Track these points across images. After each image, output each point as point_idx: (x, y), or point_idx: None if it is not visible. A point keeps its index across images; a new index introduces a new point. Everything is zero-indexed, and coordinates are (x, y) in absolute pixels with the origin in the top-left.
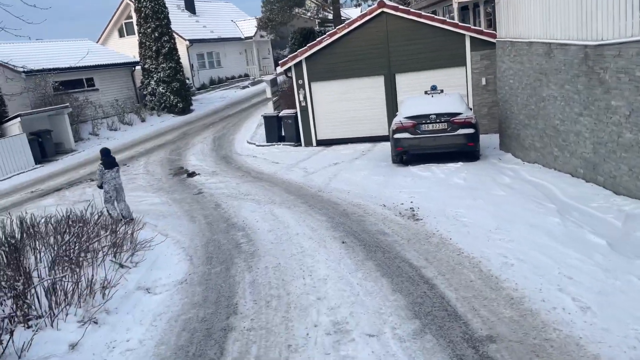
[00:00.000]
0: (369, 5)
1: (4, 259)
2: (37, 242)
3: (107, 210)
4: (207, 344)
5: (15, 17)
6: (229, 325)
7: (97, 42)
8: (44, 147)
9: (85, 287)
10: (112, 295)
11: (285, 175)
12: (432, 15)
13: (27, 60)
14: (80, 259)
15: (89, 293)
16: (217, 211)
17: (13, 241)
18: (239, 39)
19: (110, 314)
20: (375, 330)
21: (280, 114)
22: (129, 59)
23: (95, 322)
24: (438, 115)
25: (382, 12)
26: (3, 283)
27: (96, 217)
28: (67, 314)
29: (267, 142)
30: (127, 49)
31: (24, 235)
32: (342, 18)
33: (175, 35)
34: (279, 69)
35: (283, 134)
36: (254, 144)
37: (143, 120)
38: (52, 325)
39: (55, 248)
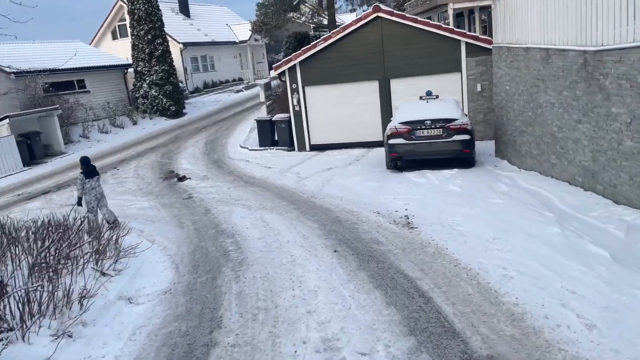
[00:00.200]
0: (364, 10)
1: None
2: (17, 248)
3: (89, 220)
4: None
5: (1, 15)
6: (212, 340)
7: (90, 44)
8: (33, 149)
9: (62, 297)
10: (91, 306)
11: (277, 180)
12: (428, 20)
13: (17, 61)
14: (60, 266)
15: (65, 303)
16: (207, 217)
17: None
18: (234, 42)
19: (87, 326)
20: (367, 348)
21: (273, 118)
22: (121, 61)
23: (70, 336)
24: (433, 121)
25: (378, 16)
26: None
27: (79, 222)
28: (40, 327)
29: (260, 146)
30: (120, 51)
31: (5, 241)
32: (337, 23)
33: (169, 38)
34: (273, 73)
35: (276, 138)
36: (247, 148)
37: (135, 123)
38: (23, 339)
39: (34, 255)
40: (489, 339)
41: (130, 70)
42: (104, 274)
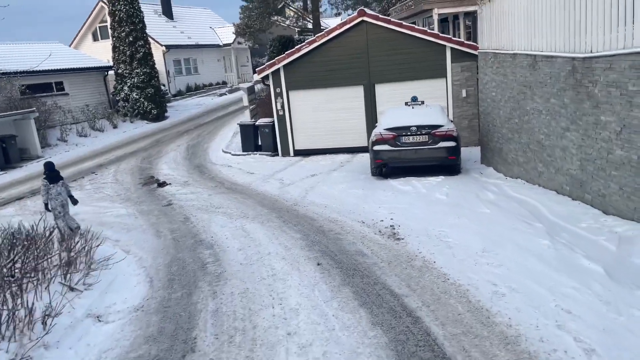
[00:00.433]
0: (349, 15)
1: None
2: None
3: (59, 227)
4: None
5: None
6: None
7: (70, 46)
8: (8, 153)
9: (24, 316)
10: (56, 325)
11: (260, 187)
12: (413, 25)
13: None
14: (26, 280)
15: (27, 323)
16: (186, 225)
17: None
18: (217, 45)
19: (50, 349)
20: None
21: (257, 123)
22: (102, 63)
23: None
24: (419, 127)
25: (362, 21)
26: None
27: (48, 232)
28: None
29: (243, 151)
30: (102, 53)
31: None
32: (322, 27)
33: (152, 41)
34: (256, 77)
35: (260, 143)
36: (230, 153)
37: (115, 127)
38: None
39: None
40: None
41: (111, 72)
42: (72, 289)
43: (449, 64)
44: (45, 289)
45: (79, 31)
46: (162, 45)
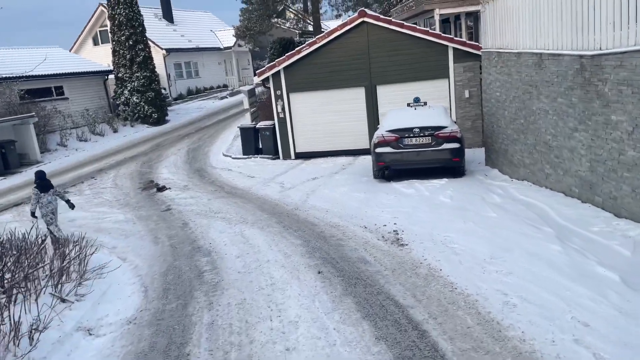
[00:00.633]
0: (349, 16)
1: None
2: None
3: (52, 233)
4: None
5: None
6: None
7: (70, 50)
8: (7, 159)
9: (9, 331)
10: (44, 340)
11: (260, 191)
12: (415, 26)
13: None
14: (15, 291)
15: (12, 338)
16: (184, 231)
17: None
18: (218, 49)
19: None
20: None
21: (257, 126)
22: (101, 67)
23: None
24: (422, 128)
25: (363, 21)
26: None
27: (40, 240)
28: None
29: (244, 154)
30: (102, 57)
31: None
32: (322, 29)
33: (152, 44)
34: (256, 79)
35: (260, 146)
36: (230, 156)
37: (115, 131)
38: None
39: None
40: None
41: (111, 76)
42: (63, 300)
43: (451, 65)
44: (35, 300)
45: (80, 35)
46: (162, 48)
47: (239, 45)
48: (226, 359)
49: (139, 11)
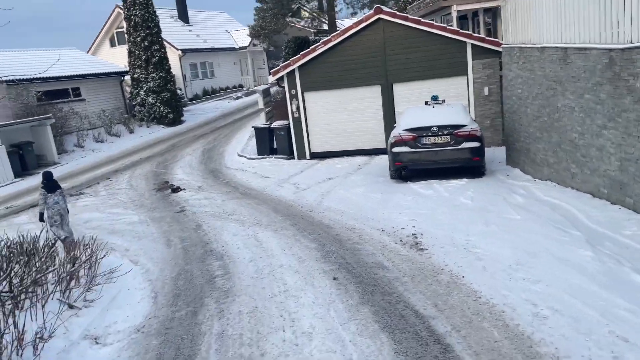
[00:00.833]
0: (364, 14)
1: None
2: None
3: (54, 234)
4: None
5: None
6: None
7: (87, 52)
8: (25, 160)
9: (12, 340)
10: (50, 349)
11: (274, 192)
12: (432, 22)
13: (9, 68)
14: (23, 296)
15: (15, 348)
16: (197, 233)
17: None
18: (233, 49)
19: None
20: None
21: (272, 126)
22: (118, 68)
23: None
24: (440, 127)
25: (379, 18)
26: None
27: (51, 243)
28: None
29: (258, 154)
30: (119, 58)
31: None
32: (337, 28)
33: (168, 45)
34: (271, 79)
35: (275, 146)
36: (245, 156)
37: (131, 132)
38: None
39: None
40: None
41: (127, 77)
42: (71, 307)
43: (469, 61)
44: (42, 306)
45: (97, 37)
46: (178, 49)
47: (254, 45)
48: None
49: (155, 12)
